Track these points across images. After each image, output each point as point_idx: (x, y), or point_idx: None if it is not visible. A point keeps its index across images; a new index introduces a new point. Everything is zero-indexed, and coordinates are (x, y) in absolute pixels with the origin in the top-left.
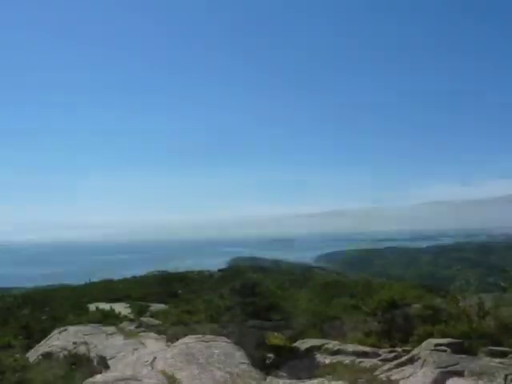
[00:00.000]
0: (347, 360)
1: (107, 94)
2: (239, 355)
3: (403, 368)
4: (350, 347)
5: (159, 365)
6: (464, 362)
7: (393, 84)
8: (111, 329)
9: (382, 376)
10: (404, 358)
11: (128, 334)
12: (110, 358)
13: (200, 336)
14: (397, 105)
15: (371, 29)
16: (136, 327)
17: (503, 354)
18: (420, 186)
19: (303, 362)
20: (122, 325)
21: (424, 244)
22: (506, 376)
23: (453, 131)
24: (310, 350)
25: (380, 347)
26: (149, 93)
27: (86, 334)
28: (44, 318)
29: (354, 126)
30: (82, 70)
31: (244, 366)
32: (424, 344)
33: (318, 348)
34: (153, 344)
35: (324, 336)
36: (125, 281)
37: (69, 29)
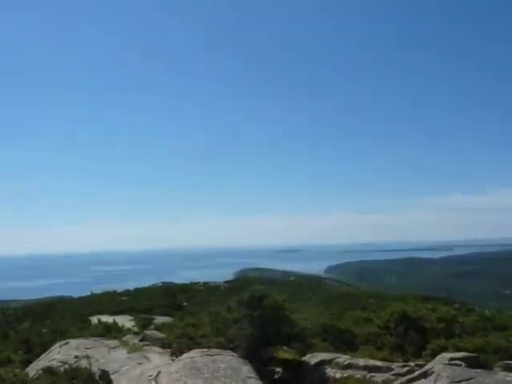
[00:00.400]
0: (358, 374)
1: (105, 95)
2: (246, 370)
3: (416, 383)
4: (362, 361)
5: (164, 379)
6: (479, 376)
7: (399, 86)
8: (114, 342)
9: None
10: (417, 373)
11: (131, 348)
12: (113, 373)
13: (206, 350)
14: (402, 108)
15: (372, 29)
16: (140, 341)
17: None
18: (432, 195)
19: (313, 377)
20: (125, 338)
21: (437, 254)
22: None
23: (465, 137)
24: (320, 364)
25: (392, 361)
26: (147, 93)
27: (88, 348)
28: (44, 331)
29: (358, 129)
30: (80, 70)
31: (251, 381)
32: (438, 358)
33: (329, 362)
34: (157, 358)
35: (334, 350)
36: (128, 293)
37: (67, 29)
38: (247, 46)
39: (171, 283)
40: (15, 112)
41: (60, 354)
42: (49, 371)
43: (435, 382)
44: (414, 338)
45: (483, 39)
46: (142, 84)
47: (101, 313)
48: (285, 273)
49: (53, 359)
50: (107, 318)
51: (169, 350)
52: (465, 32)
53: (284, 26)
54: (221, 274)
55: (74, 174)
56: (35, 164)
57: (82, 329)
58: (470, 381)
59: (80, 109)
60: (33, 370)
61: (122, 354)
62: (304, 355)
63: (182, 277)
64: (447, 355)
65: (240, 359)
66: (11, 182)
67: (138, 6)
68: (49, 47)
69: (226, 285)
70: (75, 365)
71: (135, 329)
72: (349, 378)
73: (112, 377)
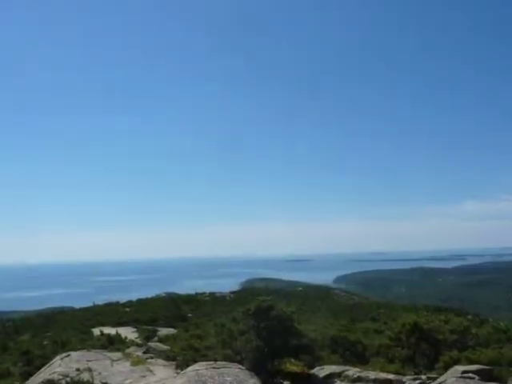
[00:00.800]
0: None
1: (105, 98)
2: (253, 382)
3: None
4: (372, 374)
5: None
6: None
7: (407, 90)
8: (117, 354)
9: None
10: None
11: (135, 360)
12: None
13: (211, 362)
14: (409, 111)
15: (374, 29)
16: (143, 353)
17: None
18: (444, 203)
19: None
20: (128, 350)
21: (449, 264)
22: None
23: (476, 142)
24: (329, 377)
25: (404, 374)
26: (147, 96)
27: (90, 360)
28: (45, 343)
29: (365, 134)
30: (79, 72)
31: None
32: (450, 371)
33: (338, 375)
34: (161, 371)
35: (344, 362)
36: (131, 304)
37: (66, 29)
38: (248, 46)
39: (175, 294)
40: (14, 116)
41: (61, 367)
42: None
43: None
44: (425, 350)
45: (484, 39)
46: (142, 86)
47: (103, 324)
48: (292, 283)
49: (54, 372)
50: (110, 330)
51: (173, 363)
52: (465, 32)
53: (284, 26)
54: (227, 284)
55: (74, 182)
56: (33, 171)
57: (84, 341)
58: None
59: (79, 113)
60: (33, 383)
61: (125, 366)
62: (312, 368)
63: (186, 287)
64: (460, 368)
65: (247, 372)
66: (9, 190)
67: (138, 6)
68: (48, 48)
69: (232, 295)
70: (77, 378)
71: (138, 341)
72: None
73: None
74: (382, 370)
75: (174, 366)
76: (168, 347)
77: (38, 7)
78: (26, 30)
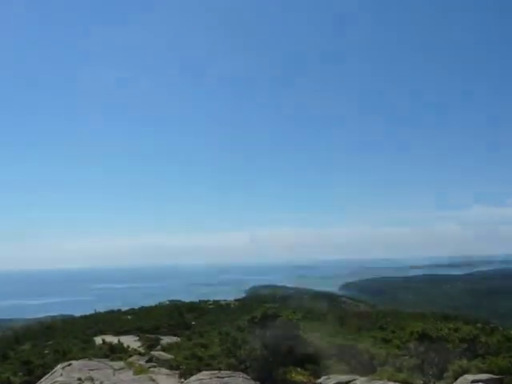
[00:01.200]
0: None
1: (103, 97)
2: None
3: None
4: None
5: None
6: None
7: (414, 92)
8: (119, 364)
9: None
10: None
11: (137, 370)
12: None
13: (215, 372)
14: (410, 111)
15: (374, 29)
16: (146, 362)
17: None
18: (454, 208)
19: None
20: (130, 359)
21: (459, 271)
22: None
23: (489, 145)
24: None
25: (412, 383)
26: (147, 97)
27: (92, 370)
28: (46, 352)
29: (374, 137)
30: (80, 71)
31: None
32: (460, 380)
33: None
34: (164, 380)
35: (351, 371)
36: (133, 311)
37: (67, 29)
38: (248, 45)
39: (179, 301)
40: (14, 117)
41: (62, 377)
42: None
43: None
44: (434, 359)
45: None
46: (142, 86)
47: (105, 333)
48: (298, 290)
49: (55, 382)
50: (112, 338)
51: (177, 372)
52: (465, 32)
53: (285, 26)
54: (232, 292)
55: (72, 186)
56: (31, 176)
57: (86, 349)
58: None
59: (79, 113)
60: None
61: (127, 375)
62: (319, 377)
63: (190, 294)
64: (469, 377)
65: (251, 381)
66: (6, 195)
67: (137, 6)
68: (48, 48)
69: (237, 303)
70: None
71: (141, 349)
72: None
73: None
74: (390, 379)
75: (177, 376)
76: (171, 356)
77: (38, 7)
78: (26, 29)
